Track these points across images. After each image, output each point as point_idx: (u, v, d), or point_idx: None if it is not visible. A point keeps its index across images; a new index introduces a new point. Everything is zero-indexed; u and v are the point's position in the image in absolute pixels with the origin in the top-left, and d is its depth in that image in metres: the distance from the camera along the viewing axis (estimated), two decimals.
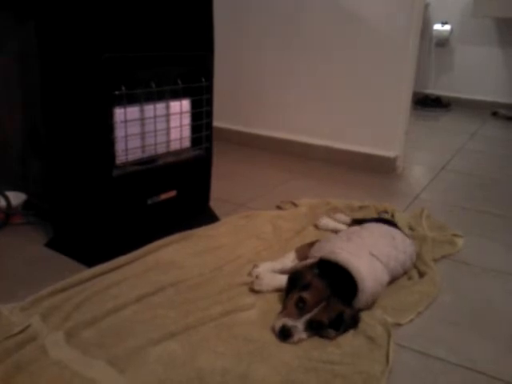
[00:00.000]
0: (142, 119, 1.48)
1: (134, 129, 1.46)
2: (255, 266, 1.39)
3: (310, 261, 1.31)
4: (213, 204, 1.83)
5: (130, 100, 1.41)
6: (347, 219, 1.77)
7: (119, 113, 1.39)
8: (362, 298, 1.20)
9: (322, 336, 1.15)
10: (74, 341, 1.08)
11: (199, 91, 1.62)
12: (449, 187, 2.42)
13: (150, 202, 1.55)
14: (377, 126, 2.53)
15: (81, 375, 0.98)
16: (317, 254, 1.33)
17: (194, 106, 1.64)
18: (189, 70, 1.58)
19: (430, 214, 1.95)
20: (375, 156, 2.54)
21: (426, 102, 4.67)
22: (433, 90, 4.99)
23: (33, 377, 0.97)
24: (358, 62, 2.50)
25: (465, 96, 4.87)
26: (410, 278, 1.46)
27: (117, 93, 1.35)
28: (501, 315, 1.33)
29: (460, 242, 1.73)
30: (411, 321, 1.27)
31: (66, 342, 1.07)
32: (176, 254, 1.49)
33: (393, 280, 1.40)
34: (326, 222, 1.78)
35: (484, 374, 1.10)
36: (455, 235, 1.77)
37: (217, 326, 1.16)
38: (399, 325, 1.24)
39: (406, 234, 1.54)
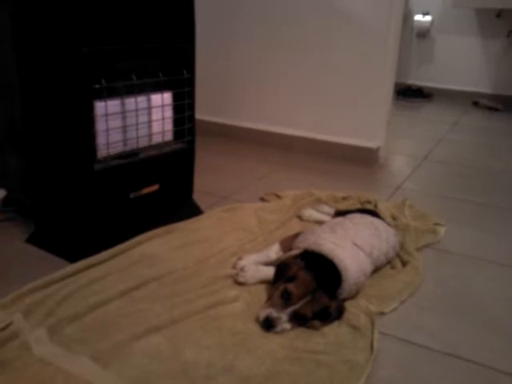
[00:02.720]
0: (123, 112, 1.47)
1: (116, 122, 1.44)
2: (239, 258, 1.39)
3: (294, 252, 1.31)
4: (196, 197, 1.83)
5: (111, 93, 1.39)
6: (331, 210, 1.78)
7: (100, 106, 1.37)
8: (345, 288, 1.21)
9: (307, 326, 1.16)
10: (57, 337, 1.07)
11: (181, 84, 1.60)
12: (431, 177, 2.45)
13: (132, 195, 1.54)
14: (359, 116, 2.54)
15: (65, 371, 0.97)
16: (301, 245, 1.34)
17: (175, 98, 1.62)
18: (170, 62, 1.57)
19: (412, 203, 1.97)
20: (357, 147, 2.55)
21: (407, 93, 4.70)
22: (414, 81, 5.02)
23: (16, 374, 0.96)
24: (339, 53, 2.50)
25: (446, 86, 4.91)
26: (393, 268, 1.48)
27: (97, 86, 1.33)
28: (481, 301, 1.36)
29: (442, 230, 1.76)
30: (395, 309, 1.28)
31: (49, 338, 1.06)
32: (160, 248, 1.48)
33: (376, 270, 1.41)
34: (310, 213, 1.78)
35: (466, 360, 1.12)
36: (437, 224, 1.79)
37: (201, 319, 1.16)
38: (383, 313, 1.26)
39: (389, 224, 1.55)
